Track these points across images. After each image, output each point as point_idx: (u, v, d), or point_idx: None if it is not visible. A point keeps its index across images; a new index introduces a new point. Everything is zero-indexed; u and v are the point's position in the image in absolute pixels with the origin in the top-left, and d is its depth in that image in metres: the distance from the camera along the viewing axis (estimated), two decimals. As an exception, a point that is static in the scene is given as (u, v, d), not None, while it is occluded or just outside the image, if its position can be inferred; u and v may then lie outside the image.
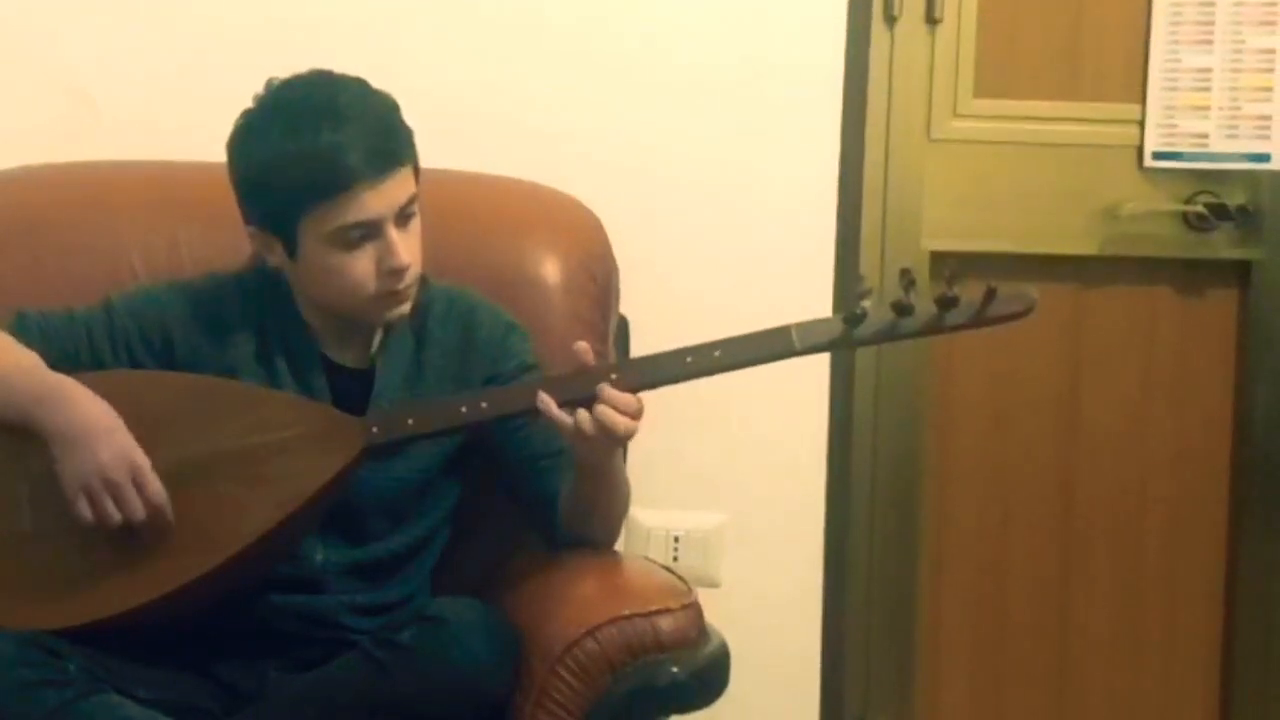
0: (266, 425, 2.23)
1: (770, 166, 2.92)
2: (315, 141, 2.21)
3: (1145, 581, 3.17)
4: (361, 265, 2.27)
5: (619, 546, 2.43)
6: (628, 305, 2.71)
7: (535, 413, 2.23)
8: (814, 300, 2.89)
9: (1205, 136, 3.02)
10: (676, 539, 2.97)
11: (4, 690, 2.06)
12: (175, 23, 2.85)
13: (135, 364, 2.34)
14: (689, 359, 2.19)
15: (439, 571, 2.44)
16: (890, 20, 2.98)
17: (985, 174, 3.03)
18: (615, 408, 2.16)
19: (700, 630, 2.19)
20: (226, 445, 2.22)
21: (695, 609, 2.20)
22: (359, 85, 2.29)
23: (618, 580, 2.31)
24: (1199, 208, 3.04)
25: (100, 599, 2.18)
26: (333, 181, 2.22)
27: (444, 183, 2.53)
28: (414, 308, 2.36)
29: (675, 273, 2.87)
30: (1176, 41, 3.01)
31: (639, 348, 2.64)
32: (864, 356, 3.04)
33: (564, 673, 2.14)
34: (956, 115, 3.02)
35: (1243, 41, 3.00)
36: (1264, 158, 3.02)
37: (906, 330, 2.19)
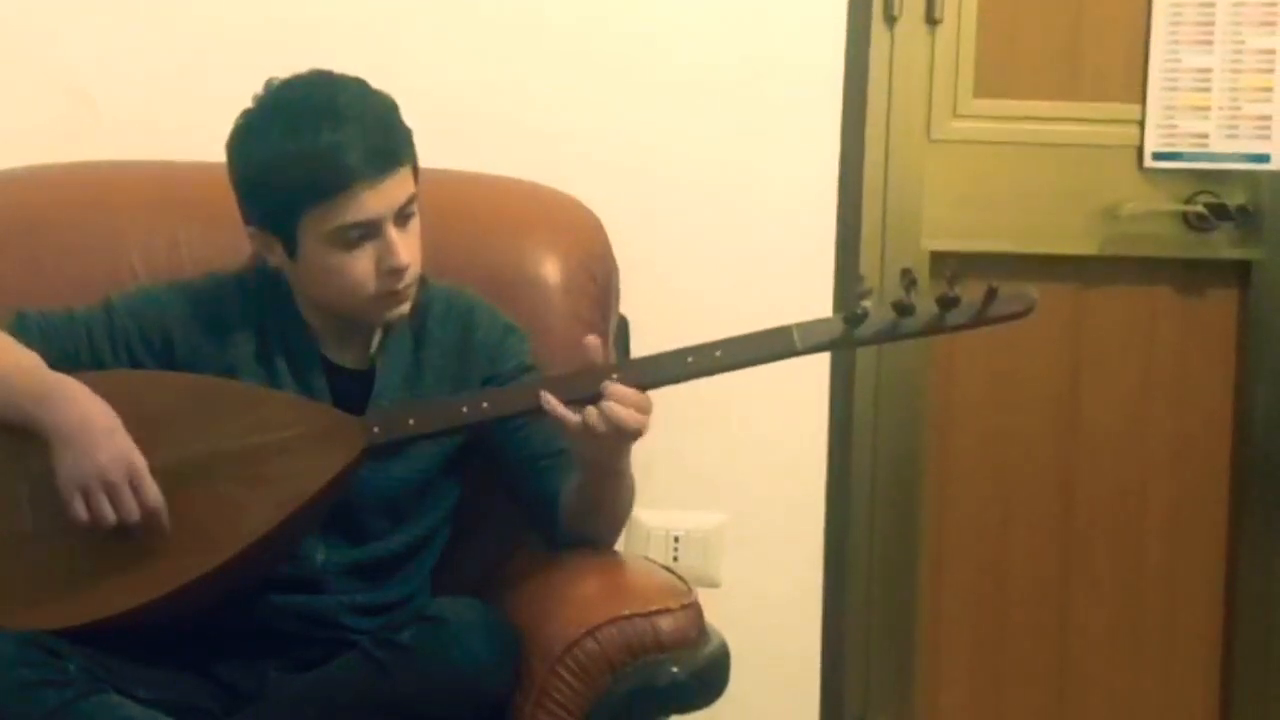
0: (267, 425, 2.23)
1: (770, 166, 2.92)
2: (315, 141, 2.21)
3: (1145, 581, 3.17)
4: (361, 265, 2.27)
5: (619, 546, 2.43)
6: (628, 305, 2.71)
7: (537, 412, 2.23)
8: (814, 300, 2.89)
9: (1205, 136, 3.02)
10: (676, 539, 2.97)
11: (4, 690, 2.06)
12: (175, 23, 2.85)
13: (135, 364, 2.34)
14: (690, 359, 2.19)
15: (439, 571, 2.44)
16: (890, 20, 2.98)
17: (985, 174, 3.03)
18: (624, 403, 2.15)
19: (700, 630, 2.19)
20: (227, 445, 2.22)
21: (695, 609, 2.20)
22: (358, 85, 2.29)
23: (618, 580, 2.31)
24: (1199, 208, 3.04)
25: (100, 599, 2.18)
26: (332, 181, 2.22)
27: (444, 183, 2.53)
28: (413, 308, 2.36)
29: (675, 273, 2.87)
30: (1176, 41, 3.01)
31: (639, 348, 2.64)
32: (864, 356, 3.04)
33: (564, 673, 2.14)
34: (956, 115, 3.02)
35: (1243, 41, 3.00)
36: (1264, 158, 3.02)
37: (907, 330, 2.19)
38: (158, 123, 2.79)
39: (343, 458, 2.22)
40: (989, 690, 3.18)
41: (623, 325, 2.72)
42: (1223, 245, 3.07)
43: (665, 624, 2.16)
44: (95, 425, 2.18)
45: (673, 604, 2.19)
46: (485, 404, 2.25)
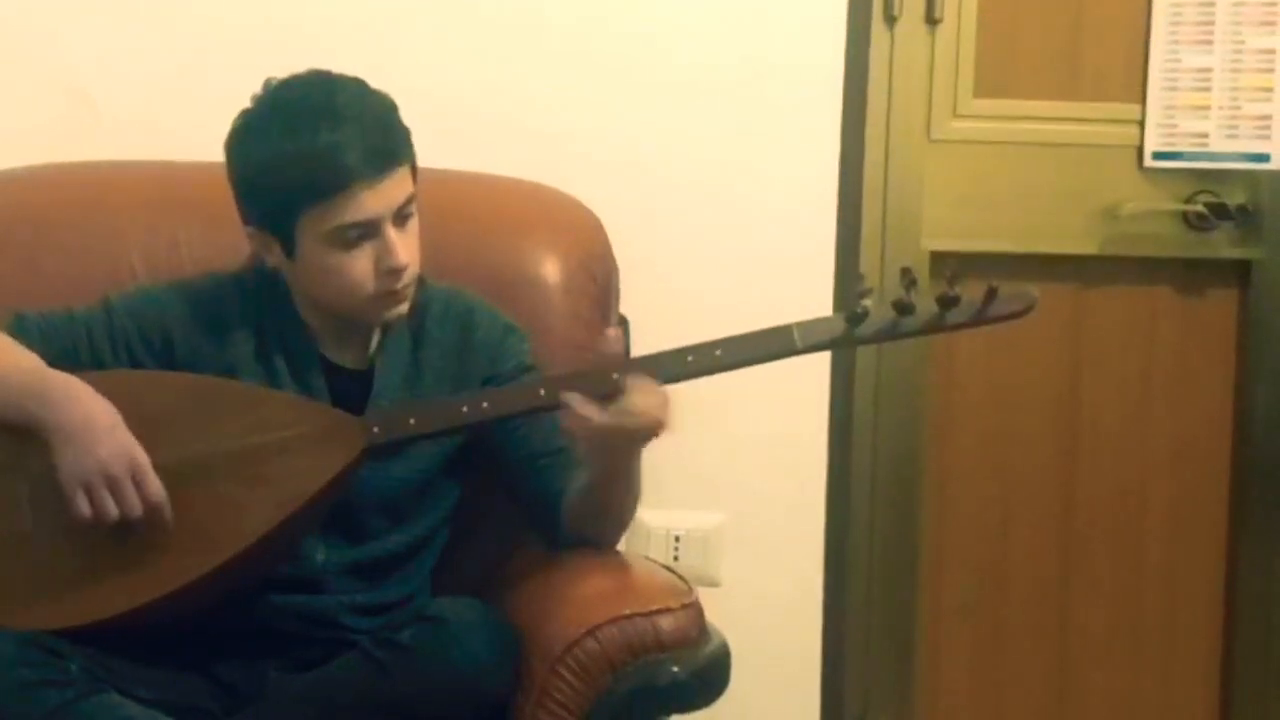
0: (267, 425, 2.23)
1: (770, 166, 2.92)
2: (313, 141, 2.21)
3: (1145, 581, 3.17)
4: (359, 265, 2.27)
5: (619, 546, 2.43)
6: (628, 305, 2.71)
7: (537, 412, 2.23)
8: (814, 300, 2.88)
9: (1205, 136, 3.02)
10: (676, 539, 2.97)
11: (4, 690, 2.06)
12: (175, 23, 2.85)
13: (135, 364, 2.34)
14: (690, 358, 2.19)
15: (439, 571, 2.44)
16: (890, 20, 2.98)
17: (985, 174, 3.03)
18: (646, 395, 2.14)
19: (701, 630, 2.19)
20: (227, 445, 2.21)
21: (696, 609, 2.20)
22: (357, 85, 2.29)
23: (618, 580, 2.30)
24: (1199, 207, 3.04)
25: (101, 599, 2.18)
26: (330, 181, 2.22)
27: (444, 183, 2.53)
28: (412, 308, 2.36)
29: (675, 273, 2.87)
30: (1176, 41, 3.01)
31: (639, 348, 2.64)
32: (864, 356, 3.04)
33: (564, 672, 2.14)
34: (956, 115, 3.02)
35: (1243, 41, 3.00)
36: (1264, 158, 3.02)
37: (908, 329, 2.19)
38: (158, 123, 2.79)
39: (343, 458, 2.22)
40: (989, 690, 3.18)
41: (623, 325, 2.71)
42: (1223, 245, 3.07)
43: (666, 623, 2.16)
44: (96, 422, 2.18)
45: (673, 603, 2.19)
46: (485, 404, 2.25)
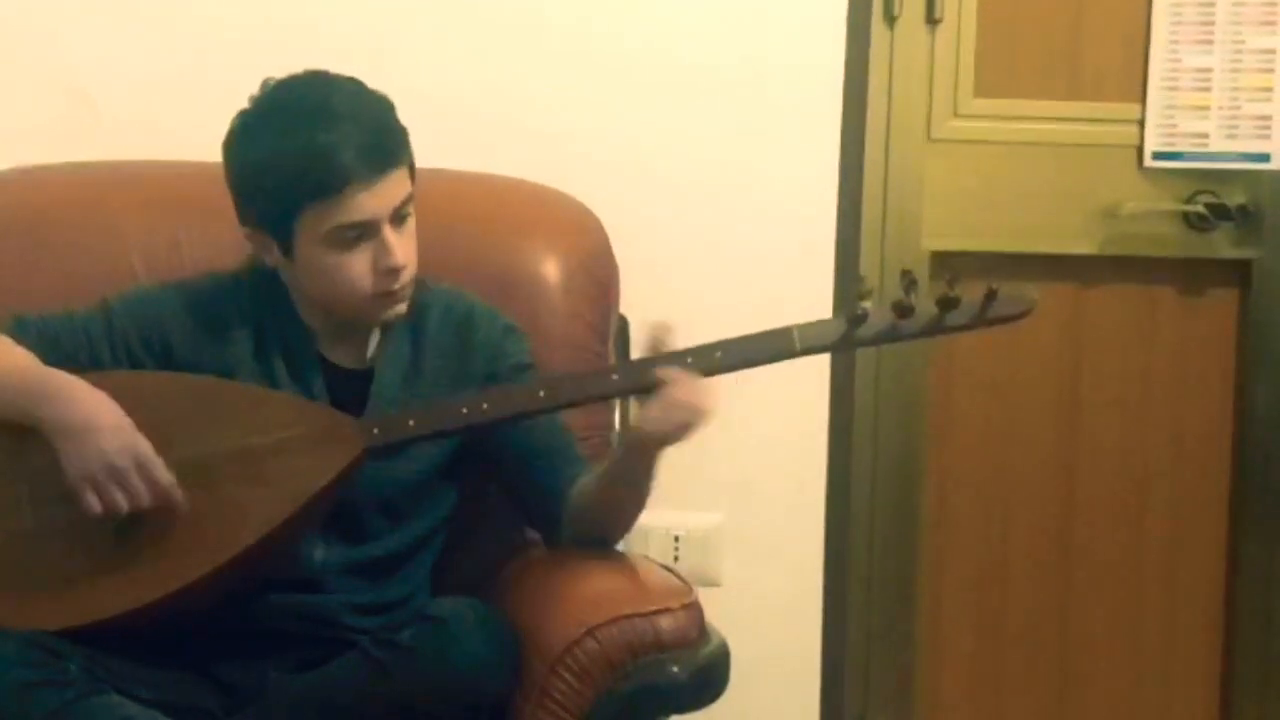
0: (268, 426, 2.23)
1: (770, 166, 2.92)
2: (310, 142, 2.21)
3: (1145, 581, 3.18)
4: (357, 265, 2.26)
5: (618, 546, 2.43)
6: (628, 305, 2.71)
7: (536, 414, 2.24)
8: (814, 300, 2.88)
9: (1205, 136, 3.02)
10: (676, 539, 2.97)
11: (4, 690, 2.06)
12: (175, 23, 2.85)
13: (135, 365, 2.34)
14: (690, 359, 2.19)
15: (439, 571, 2.44)
16: (890, 20, 2.98)
17: (985, 174, 3.03)
18: (694, 390, 2.15)
19: (700, 630, 2.19)
20: (228, 446, 2.21)
21: (695, 609, 2.20)
22: (354, 85, 2.29)
23: (618, 580, 2.30)
24: (1199, 207, 3.04)
25: (101, 599, 2.18)
26: (327, 182, 2.22)
27: (444, 183, 2.53)
28: (411, 308, 2.35)
29: (675, 273, 2.87)
30: (1176, 41, 3.01)
31: (639, 348, 2.64)
32: (864, 357, 3.04)
33: (564, 672, 2.14)
34: (956, 115, 3.02)
35: (1243, 41, 3.00)
36: (1264, 158, 3.02)
37: (907, 331, 2.19)
38: (158, 123, 2.79)
39: (343, 458, 2.22)
40: (989, 690, 3.18)
41: (623, 325, 2.72)
42: (1223, 245, 3.07)
43: (666, 624, 2.16)
44: (98, 417, 2.18)
45: (673, 604, 2.18)
46: (485, 405, 2.25)
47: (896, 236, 3.01)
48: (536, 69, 2.88)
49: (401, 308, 2.33)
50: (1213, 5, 3.00)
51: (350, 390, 2.34)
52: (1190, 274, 3.11)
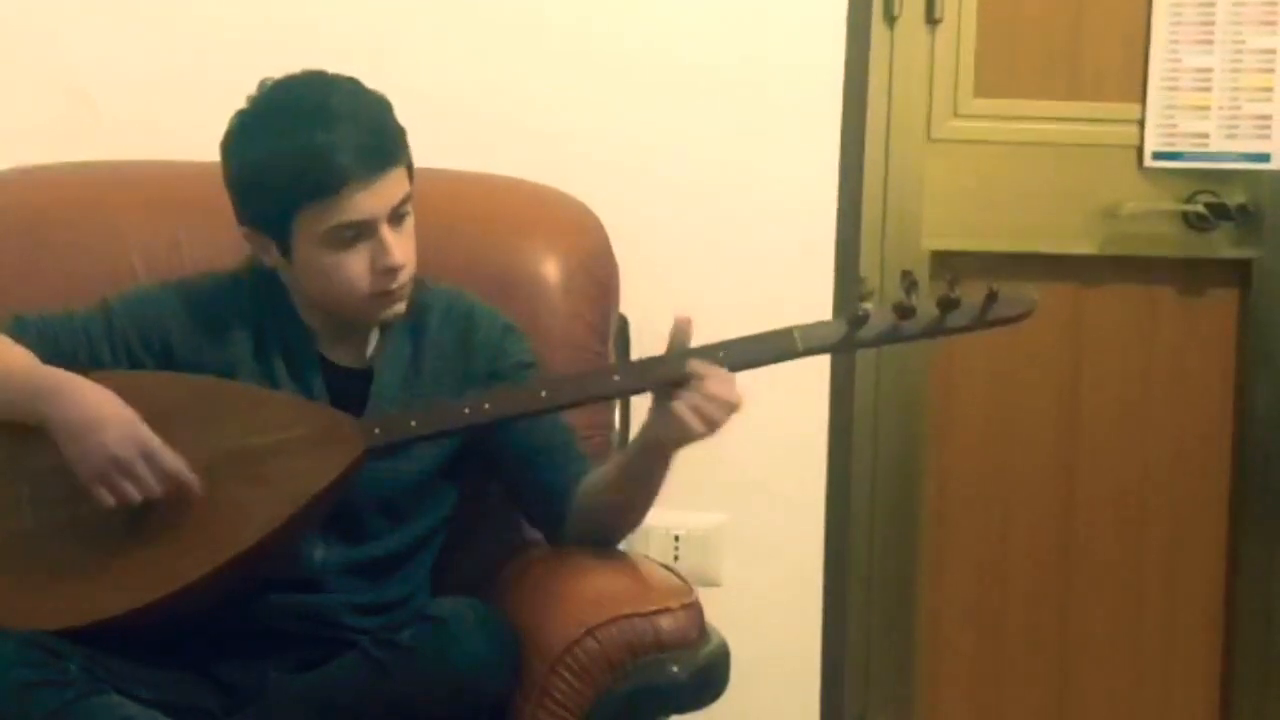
0: (268, 426, 2.23)
1: (770, 166, 2.92)
2: (307, 142, 2.21)
3: (1145, 581, 3.18)
4: (355, 265, 2.26)
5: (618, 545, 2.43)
6: (628, 305, 2.71)
7: (537, 414, 2.24)
8: (814, 301, 2.88)
9: (1205, 136, 3.02)
10: (676, 538, 2.97)
11: (4, 690, 2.06)
12: (175, 23, 2.85)
13: (134, 365, 2.34)
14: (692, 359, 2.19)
15: (439, 571, 2.44)
16: (890, 20, 2.98)
17: (985, 174, 3.03)
18: (723, 384, 2.15)
19: (700, 630, 2.19)
20: (228, 445, 2.21)
21: (695, 609, 2.20)
22: (351, 85, 2.29)
23: (618, 580, 2.30)
24: (1199, 207, 3.04)
25: (101, 599, 2.18)
26: (325, 182, 2.22)
27: (444, 183, 2.53)
28: (410, 308, 2.35)
29: (675, 273, 2.87)
30: (1176, 41, 3.01)
31: (639, 348, 2.64)
32: (864, 357, 3.03)
33: (564, 672, 2.14)
34: (956, 115, 3.02)
35: (1243, 41, 3.00)
36: (1264, 157, 3.02)
37: (908, 332, 2.19)
38: (158, 123, 2.79)
39: (344, 459, 2.22)
40: (989, 690, 3.18)
41: (623, 325, 2.71)
42: (1223, 245, 3.07)
43: (666, 623, 2.16)
44: (100, 412, 2.18)
45: (673, 603, 2.18)
46: (487, 405, 2.25)
47: (896, 236, 3.01)
48: (536, 69, 2.88)
49: (400, 307, 2.33)
50: (1213, 5, 3.00)
51: (350, 390, 2.34)
52: (1190, 274, 3.11)
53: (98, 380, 2.23)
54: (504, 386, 2.34)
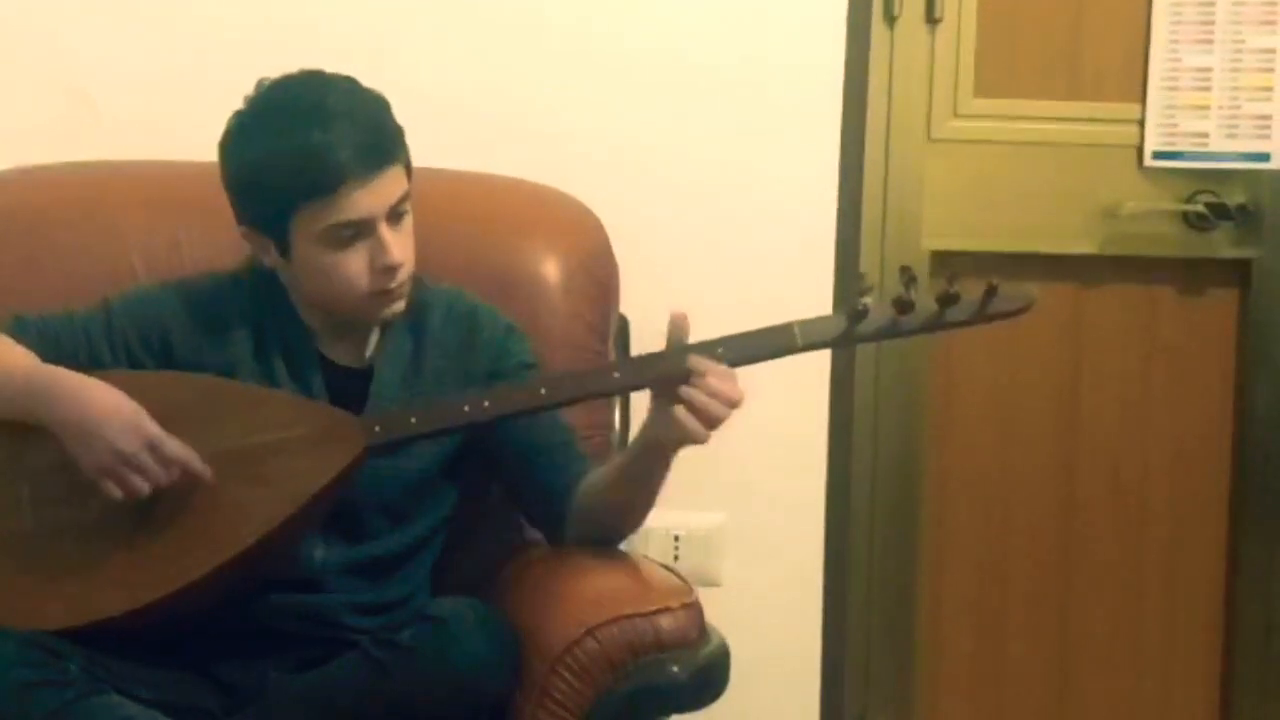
0: (268, 425, 2.22)
1: (770, 166, 2.92)
2: (305, 141, 2.21)
3: (1145, 581, 3.17)
4: (354, 264, 2.26)
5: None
6: (628, 305, 2.71)
7: (537, 411, 2.24)
8: (814, 301, 2.88)
9: (1205, 136, 3.02)
10: (676, 538, 2.97)
11: (4, 690, 2.06)
12: (175, 23, 2.85)
13: (134, 364, 2.34)
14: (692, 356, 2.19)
15: (439, 571, 2.44)
16: (890, 20, 2.98)
17: (985, 174, 3.03)
18: (724, 381, 2.14)
19: (700, 630, 2.19)
20: (228, 445, 2.21)
21: (696, 608, 2.20)
22: (348, 84, 2.29)
23: (618, 579, 2.30)
24: (1199, 207, 3.04)
25: (102, 599, 2.18)
26: (322, 181, 2.22)
27: (444, 183, 2.53)
28: (410, 306, 2.36)
29: (675, 273, 2.87)
30: (1176, 41, 3.01)
31: (639, 348, 2.64)
32: (864, 356, 3.04)
33: (564, 672, 2.14)
34: (956, 115, 3.02)
35: (1243, 41, 3.00)
36: (1264, 157, 3.02)
37: (907, 327, 2.19)
38: (157, 123, 2.79)
39: (344, 457, 2.22)
40: (989, 690, 3.18)
41: (623, 325, 2.71)
42: (1223, 244, 3.07)
43: (666, 623, 2.15)
44: (101, 408, 2.18)
45: (673, 603, 2.18)
46: (487, 403, 2.24)
47: (896, 236, 3.01)
48: (536, 69, 2.88)
49: (399, 305, 2.33)
50: (1213, 5, 3.00)
51: (350, 389, 2.34)
52: (1190, 274, 3.11)
53: (101, 380, 2.23)
54: (504, 384, 2.34)
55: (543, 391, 2.24)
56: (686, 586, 2.26)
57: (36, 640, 2.11)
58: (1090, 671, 3.17)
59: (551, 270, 2.61)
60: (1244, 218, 3.06)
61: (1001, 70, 3.03)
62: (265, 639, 2.28)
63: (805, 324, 2.20)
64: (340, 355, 2.38)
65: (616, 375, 2.27)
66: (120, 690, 2.13)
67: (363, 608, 2.34)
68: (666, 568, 2.41)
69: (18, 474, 2.23)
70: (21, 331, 2.33)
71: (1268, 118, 3.01)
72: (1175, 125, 3.02)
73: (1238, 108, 3.01)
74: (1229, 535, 3.16)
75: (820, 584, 3.04)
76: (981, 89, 3.02)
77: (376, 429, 2.23)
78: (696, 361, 2.15)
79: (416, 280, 2.35)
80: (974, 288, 2.18)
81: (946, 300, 2.17)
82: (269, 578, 2.28)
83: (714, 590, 2.85)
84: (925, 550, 3.13)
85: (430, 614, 2.20)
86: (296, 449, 2.22)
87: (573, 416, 2.40)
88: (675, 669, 2.14)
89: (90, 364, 2.31)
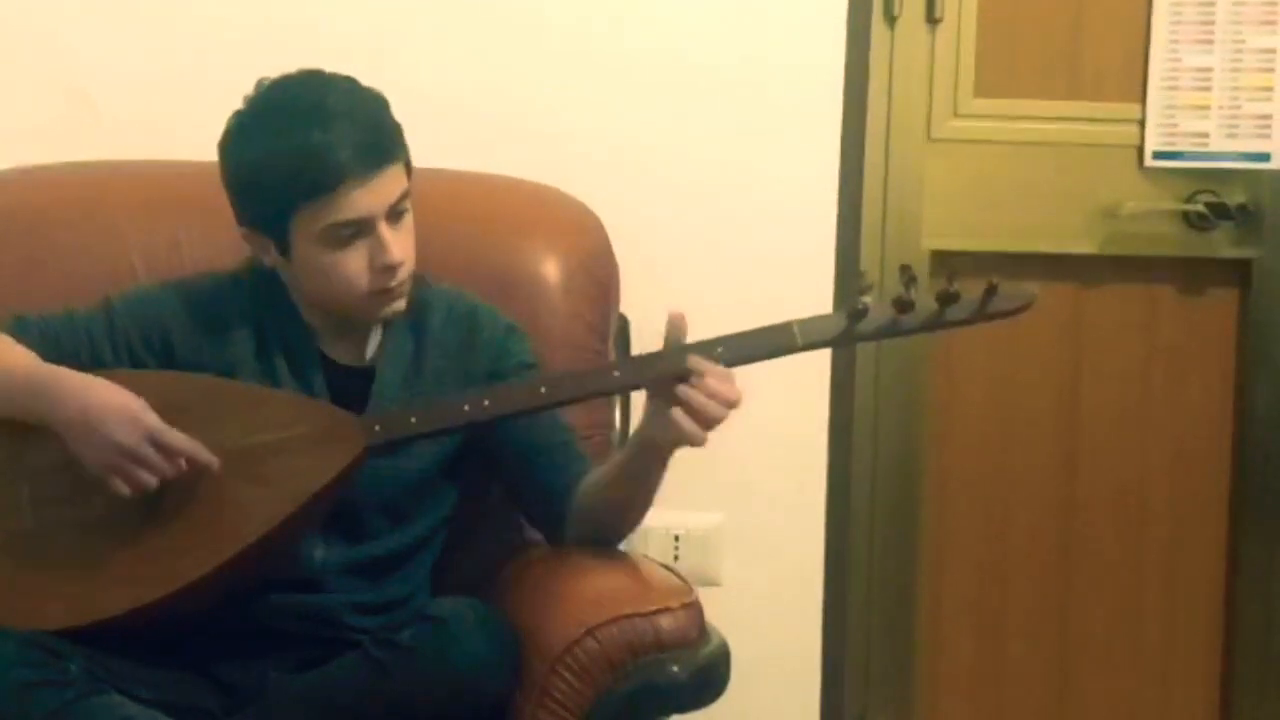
0: (269, 424, 2.22)
1: (770, 166, 2.92)
2: (304, 140, 2.21)
3: (1145, 581, 3.17)
4: (354, 263, 2.27)
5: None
6: (628, 305, 2.71)
7: (537, 411, 2.24)
8: (814, 301, 2.88)
9: (1205, 136, 3.02)
10: (676, 538, 2.97)
11: (4, 690, 2.06)
12: (175, 23, 2.85)
13: (135, 364, 2.34)
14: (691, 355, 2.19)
15: (439, 571, 2.44)
16: (890, 20, 2.98)
17: (985, 174, 3.03)
18: (723, 381, 2.14)
19: (700, 630, 2.19)
20: (229, 444, 2.21)
21: (696, 608, 2.20)
22: (348, 84, 2.29)
23: (618, 579, 2.30)
24: (1199, 207, 3.04)
25: (102, 599, 2.18)
26: (322, 180, 2.22)
27: (444, 183, 2.53)
28: (410, 305, 2.36)
29: (675, 273, 2.87)
30: (1176, 41, 3.01)
31: (639, 348, 2.64)
32: (864, 356, 3.04)
33: (564, 672, 2.14)
34: (956, 115, 3.02)
35: (1243, 41, 3.00)
36: (1264, 157, 3.02)
37: (907, 326, 2.19)
38: (157, 123, 2.80)
39: (345, 456, 2.22)
40: (989, 690, 3.18)
41: (623, 325, 2.72)
42: (1223, 244, 3.07)
43: (666, 623, 2.15)
44: (101, 405, 2.18)
45: (673, 603, 2.18)
46: (487, 402, 2.24)
47: (896, 236, 3.01)
48: (536, 69, 2.88)
49: (400, 304, 2.33)
50: (1213, 5, 3.00)
51: (351, 388, 2.34)
52: (1190, 274, 3.11)
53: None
54: (504, 384, 2.34)
55: (543, 391, 2.24)
56: (686, 586, 2.26)
57: (37, 640, 2.11)
58: (1090, 671, 3.17)
59: (551, 270, 2.61)
60: (1244, 218, 3.06)
61: (1001, 70, 3.03)
62: (265, 639, 2.28)
63: (805, 323, 2.20)
64: (341, 354, 2.38)
65: (616, 375, 2.27)
66: (120, 690, 2.13)
67: (363, 607, 2.34)
68: (666, 567, 2.41)
69: (18, 474, 2.24)
70: (22, 331, 2.33)
71: (1268, 118, 3.01)
72: (1175, 125, 3.02)
73: (1238, 108, 3.01)
74: (1229, 535, 3.16)
75: (820, 584, 3.04)
76: (981, 89, 3.02)
77: (376, 428, 2.23)
78: (695, 362, 2.15)
79: (417, 279, 2.35)
80: (974, 287, 2.18)
81: (946, 299, 2.17)
82: (269, 577, 2.28)
83: (714, 590, 2.85)
84: (925, 550, 3.13)
85: (430, 614, 2.20)
86: (297, 448, 2.22)
87: (573, 416, 2.40)
88: (675, 669, 2.14)
89: (92, 364, 2.31)
